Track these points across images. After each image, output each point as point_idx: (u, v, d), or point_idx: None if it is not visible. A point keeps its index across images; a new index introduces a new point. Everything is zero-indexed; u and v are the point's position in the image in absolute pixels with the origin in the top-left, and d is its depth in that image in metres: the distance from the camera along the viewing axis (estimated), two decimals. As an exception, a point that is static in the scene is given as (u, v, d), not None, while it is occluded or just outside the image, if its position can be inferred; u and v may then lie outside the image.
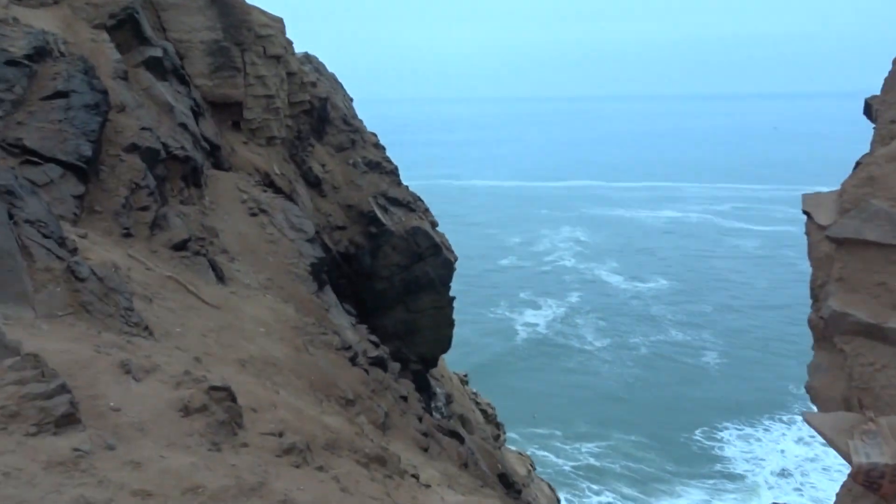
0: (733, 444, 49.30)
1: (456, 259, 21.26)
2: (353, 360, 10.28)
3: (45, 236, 7.92)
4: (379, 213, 18.73)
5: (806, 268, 6.07)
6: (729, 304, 72.33)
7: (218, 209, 12.96)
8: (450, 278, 20.99)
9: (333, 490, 5.89)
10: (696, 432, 50.24)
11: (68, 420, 5.03)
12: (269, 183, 16.00)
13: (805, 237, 5.71)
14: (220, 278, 11.13)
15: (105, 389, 5.75)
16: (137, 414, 5.60)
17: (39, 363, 5.53)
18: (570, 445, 48.79)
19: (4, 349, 5.40)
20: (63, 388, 5.17)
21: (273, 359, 9.37)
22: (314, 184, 18.27)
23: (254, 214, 13.98)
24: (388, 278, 18.98)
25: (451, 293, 21.14)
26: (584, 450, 47.79)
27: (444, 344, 21.15)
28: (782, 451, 47.20)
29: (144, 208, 10.71)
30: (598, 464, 46.65)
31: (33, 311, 7.06)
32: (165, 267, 10.00)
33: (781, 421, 50.87)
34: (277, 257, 13.35)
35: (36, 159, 9.75)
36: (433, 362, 19.65)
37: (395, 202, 19.82)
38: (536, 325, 66.74)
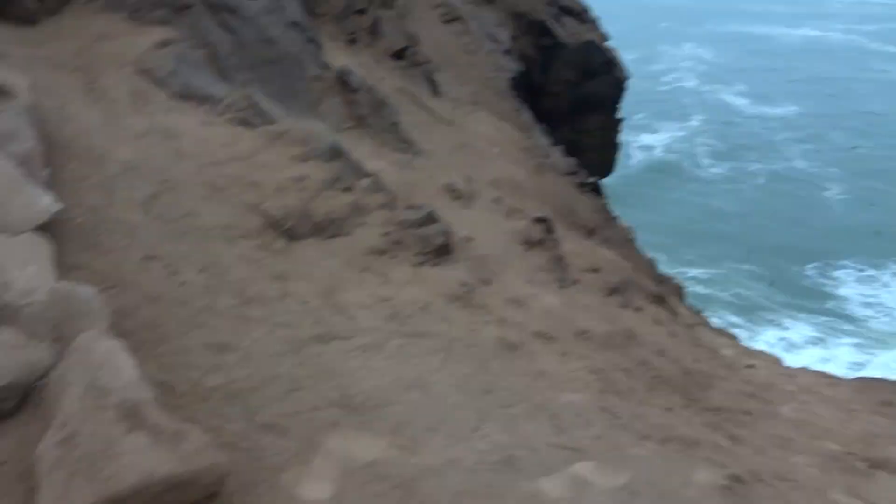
0: (850, 284, 46.61)
1: (627, 78, 19.61)
2: (580, 186, 9.70)
3: (308, 41, 7.27)
4: (551, 24, 17.11)
5: None
6: (865, 134, 66.46)
7: (411, 14, 11.92)
8: (620, 98, 19.52)
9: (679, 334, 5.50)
10: (808, 267, 47.41)
11: (444, 250, 4.67)
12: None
13: None
14: (435, 91, 10.44)
15: (446, 216, 5.34)
16: (489, 246, 5.21)
17: (382, 186, 5.13)
18: (675, 269, 48.12)
19: (351, 170, 4.98)
20: (432, 217, 4.76)
21: (517, 183, 8.81)
22: (477, -15, 16.60)
23: (448, 21, 12.86)
24: (557, 95, 17.72)
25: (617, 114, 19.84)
26: (689, 275, 46.89)
27: (609, 167, 20.23)
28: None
29: (361, 11, 9.85)
30: (704, 291, 45.89)
31: (323, 125, 6.61)
32: (392, 77, 9.36)
33: None
34: (478, 69, 12.43)
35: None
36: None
37: (567, 11, 17.97)
38: (653, 147, 63.74)
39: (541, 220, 5.75)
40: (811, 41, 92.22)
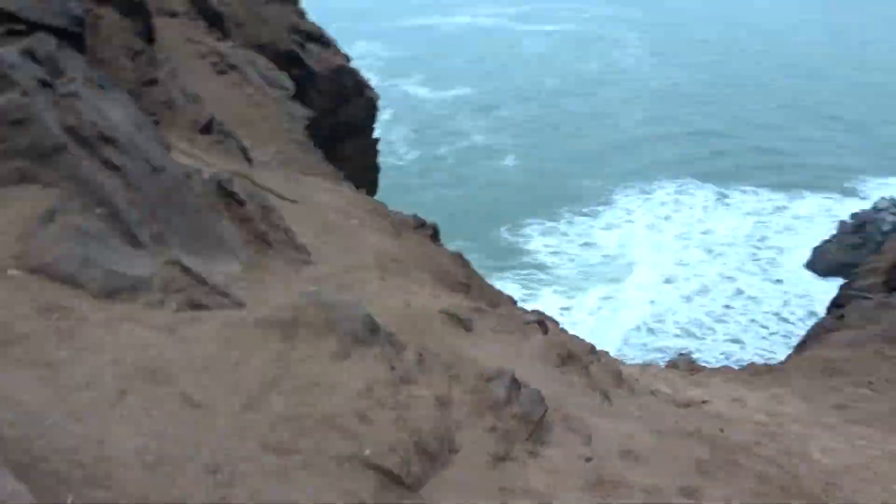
0: (537, 238, 52.01)
1: (378, 97, 19.25)
2: (433, 238, 9.03)
3: (167, 148, 5.51)
4: (300, 53, 15.85)
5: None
6: (524, 99, 75.89)
7: (181, 68, 9.95)
8: (374, 119, 19.10)
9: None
10: (502, 230, 52.28)
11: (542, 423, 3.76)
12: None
13: None
14: (248, 159, 8.80)
15: (459, 344, 4.40)
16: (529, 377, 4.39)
17: (424, 353, 4.03)
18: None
19: (388, 342, 3.76)
20: (515, 381, 3.79)
21: (394, 255, 7.95)
22: (213, 21, 14.64)
23: (222, 72, 10.97)
24: (317, 125, 16.57)
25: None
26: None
27: (373, 190, 19.66)
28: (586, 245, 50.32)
29: (151, 82, 7.71)
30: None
31: (236, 259, 5.06)
32: (220, 159, 7.58)
33: (583, 214, 54.65)
34: (271, 123, 10.86)
35: (19, 26, 6.44)
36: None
37: (310, 37, 16.83)
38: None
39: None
40: (466, 28, 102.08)
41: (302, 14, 17.56)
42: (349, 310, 3.64)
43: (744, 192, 55.05)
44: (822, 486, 4.52)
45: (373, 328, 3.66)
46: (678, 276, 46.38)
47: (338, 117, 17.36)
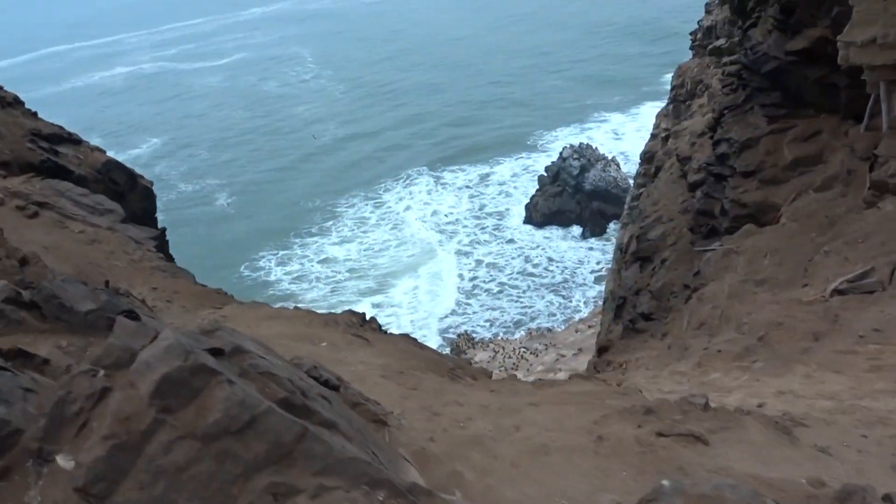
0: (275, 269, 51.56)
1: (152, 183, 17.29)
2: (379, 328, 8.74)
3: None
4: (55, 159, 13.54)
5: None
6: (222, 139, 73.71)
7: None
8: (155, 208, 17.13)
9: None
10: (242, 268, 51.19)
11: None
12: None
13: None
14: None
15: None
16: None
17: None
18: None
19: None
20: None
21: (389, 366, 7.82)
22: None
23: (34, 215, 8.93)
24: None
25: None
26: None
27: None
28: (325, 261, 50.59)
29: None
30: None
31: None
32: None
33: (313, 234, 55.08)
34: (121, 259, 9.27)
35: None
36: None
37: (59, 138, 14.41)
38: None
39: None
40: (130, 77, 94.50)
41: (35, 115, 15.10)
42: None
43: (453, 171, 60.04)
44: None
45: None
46: (425, 266, 48.85)
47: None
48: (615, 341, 14.97)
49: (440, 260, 49.74)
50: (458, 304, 44.26)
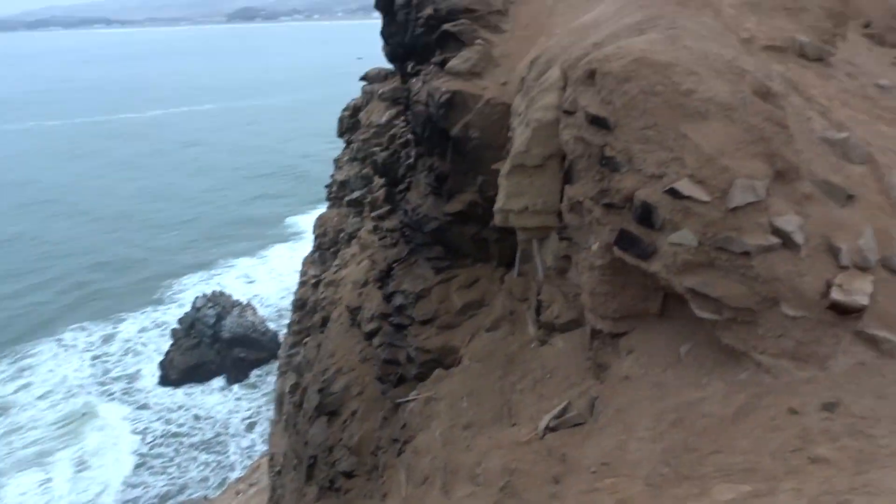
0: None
1: None
2: None
3: None
4: None
5: None
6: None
7: None
8: None
9: None
10: None
11: None
12: None
13: None
14: None
15: None
16: None
17: None
18: None
19: None
20: None
21: None
22: None
23: None
24: None
25: None
26: None
27: None
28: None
29: None
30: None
31: None
32: None
33: None
34: None
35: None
36: None
37: None
38: None
39: None
40: None
41: None
42: None
43: (73, 330, 53.04)
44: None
45: None
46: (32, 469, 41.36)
47: None
48: (319, 507, 14.23)
49: (55, 457, 42.48)
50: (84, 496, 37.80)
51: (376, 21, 20.18)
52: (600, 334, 9.30)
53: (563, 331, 10.57)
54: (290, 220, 74.53)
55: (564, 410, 9.01)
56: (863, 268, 6.21)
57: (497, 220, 11.32)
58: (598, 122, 7.84)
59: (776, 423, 5.99)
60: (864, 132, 7.85)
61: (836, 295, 5.90)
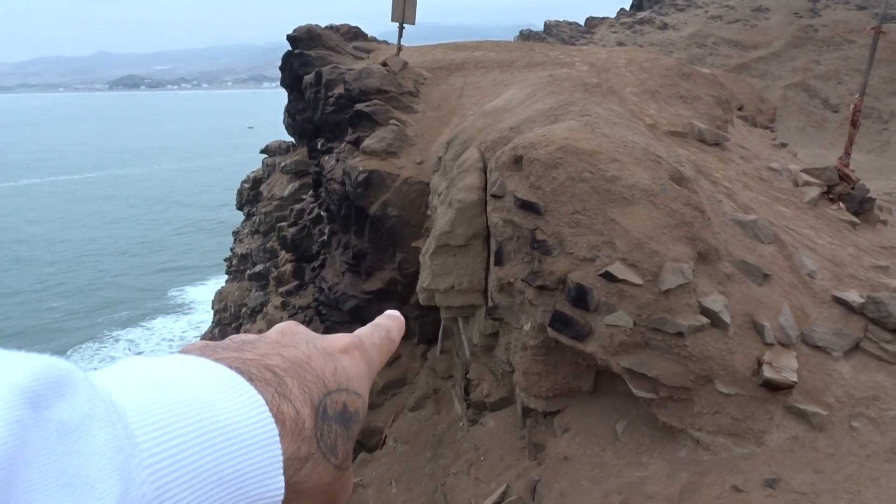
0: None
1: None
2: None
3: None
4: None
5: None
6: None
7: None
8: None
9: None
10: None
11: None
12: None
13: None
14: None
15: None
16: None
17: None
18: None
19: None
20: None
21: None
22: None
23: None
24: None
25: None
26: None
27: None
28: None
29: None
30: None
31: None
32: None
33: None
34: None
35: None
36: None
37: None
38: None
39: None
40: None
41: None
42: None
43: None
44: None
45: None
46: None
47: None
48: None
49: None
50: None
51: (268, 90, 20.26)
52: (533, 413, 9.32)
53: (494, 409, 10.52)
54: (172, 292, 71.26)
55: (504, 495, 8.88)
56: (785, 344, 6.59)
57: (421, 298, 11.28)
58: (528, 206, 8.06)
59: (721, 501, 6.15)
60: (767, 213, 8.47)
61: (767, 373, 6.20)
